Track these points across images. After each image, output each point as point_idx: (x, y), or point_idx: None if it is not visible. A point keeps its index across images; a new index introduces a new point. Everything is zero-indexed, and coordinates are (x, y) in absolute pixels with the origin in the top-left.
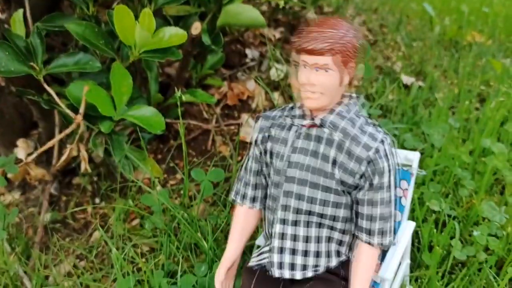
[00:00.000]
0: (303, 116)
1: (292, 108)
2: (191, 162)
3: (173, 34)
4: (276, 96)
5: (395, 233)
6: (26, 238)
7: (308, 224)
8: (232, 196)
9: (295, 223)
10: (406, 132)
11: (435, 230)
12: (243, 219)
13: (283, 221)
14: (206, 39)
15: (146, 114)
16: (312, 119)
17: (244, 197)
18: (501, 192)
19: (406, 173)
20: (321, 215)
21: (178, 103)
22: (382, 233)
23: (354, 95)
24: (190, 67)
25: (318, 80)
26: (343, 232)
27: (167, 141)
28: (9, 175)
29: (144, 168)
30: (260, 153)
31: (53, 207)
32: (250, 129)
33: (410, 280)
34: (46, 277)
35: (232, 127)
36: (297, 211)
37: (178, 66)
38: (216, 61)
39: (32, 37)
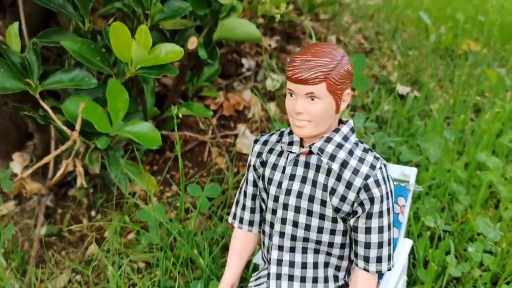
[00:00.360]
0: (297, 143)
1: (289, 133)
2: (187, 174)
3: (170, 51)
4: (272, 106)
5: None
6: (21, 252)
7: (305, 251)
8: (230, 219)
9: (292, 250)
10: (401, 144)
11: (430, 246)
12: (241, 242)
13: (280, 248)
14: (202, 53)
15: (142, 130)
16: (302, 146)
17: (241, 221)
18: (496, 206)
19: (404, 189)
20: (318, 242)
21: (174, 118)
22: (379, 260)
23: (350, 121)
24: (187, 79)
25: (305, 108)
26: (340, 258)
27: (163, 152)
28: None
29: (139, 183)
30: (257, 177)
31: (49, 220)
32: (247, 140)
33: None
34: None
35: (228, 139)
36: (294, 238)
37: (174, 78)
38: (212, 73)
39: (28, 53)
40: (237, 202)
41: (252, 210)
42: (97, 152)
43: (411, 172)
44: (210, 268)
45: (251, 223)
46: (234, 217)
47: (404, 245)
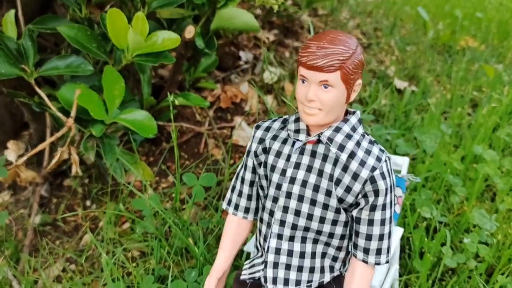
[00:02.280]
0: (304, 131)
1: (295, 120)
2: (183, 165)
3: (167, 38)
4: (269, 99)
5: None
6: (15, 241)
7: (304, 240)
8: (224, 205)
9: (291, 239)
10: (398, 137)
11: (426, 237)
12: (235, 229)
13: (279, 236)
14: (199, 43)
15: (138, 118)
16: (309, 134)
17: (236, 207)
18: (492, 198)
19: (401, 180)
20: (318, 232)
21: (171, 107)
22: (378, 252)
23: (358, 112)
24: (184, 70)
25: (318, 96)
26: (339, 249)
27: (159, 143)
28: None
29: (135, 172)
30: (257, 164)
31: (44, 209)
32: (243, 133)
33: (400, 285)
34: (36, 281)
35: (225, 131)
36: (294, 226)
37: (171, 68)
38: (209, 64)
39: (24, 39)
40: (233, 188)
41: (249, 197)
42: (92, 140)
43: (403, 162)
44: (204, 257)
45: (246, 210)
46: (229, 203)
47: (396, 233)
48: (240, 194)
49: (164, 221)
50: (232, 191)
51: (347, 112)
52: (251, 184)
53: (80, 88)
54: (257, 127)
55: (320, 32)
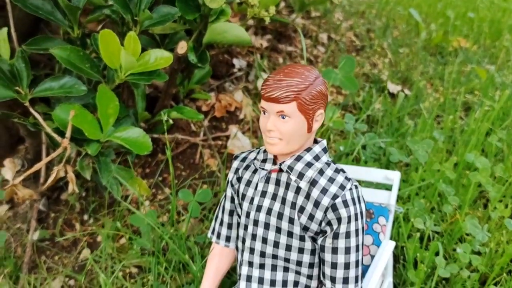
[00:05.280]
0: (270, 160)
1: (265, 150)
2: (179, 176)
3: (159, 57)
4: None
5: (362, 277)
6: (14, 258)
7: (274, 268)
8: (209, 234)
9: (261, 266)
10: (392, 145)
11: (420, 247)
12: (217, 258)
13: (250, 264)
14: (192, 58)
15: (132, 136)
16: (275, 163)
17: (218, 236)
18: (485, 205)
19: (384, 209)
20: (286, 260)
21: (164, 123)
22: (345, 281)
23: (323, 141)
24: (178, 82)
25: (276, 126)
26: (309, 277)
27: (155, 155)
28: None
29: (131, 188)
30: (234, 193)
31: (42, 225)
32: (238, 142)
33: None
34: None
35: (220, 141)
36: (263, 254)
37: (165, 82)
38: (203, 75)
39: (17, 61)
40: (216, 217)
41: (229, 226)
42: (88, 159)
43: (394, 176)
44: (202, 273)
45: (227, 238)
46: (213, 232)
47: (387, 246)
48: (221, 223)
49: (161, 237)
50: (215, 220)
51: (316, 141)
52: (231, 213)
53: (74, 108)
54: (235, 158)
55: (283, 65)
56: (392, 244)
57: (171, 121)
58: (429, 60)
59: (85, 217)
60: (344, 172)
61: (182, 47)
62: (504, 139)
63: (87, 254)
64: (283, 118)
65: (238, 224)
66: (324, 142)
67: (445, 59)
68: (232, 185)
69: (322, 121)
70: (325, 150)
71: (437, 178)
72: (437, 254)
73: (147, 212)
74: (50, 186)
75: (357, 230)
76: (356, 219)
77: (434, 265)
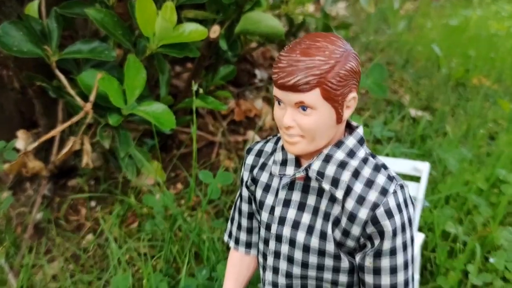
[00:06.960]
0: (292, 162)
1: (283, 146)
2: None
3: (194, 30)
4: None
5: None
6: (15, 233)
7: (305, 286)
8: (225, 237)
9: (288, 286)
10: (417, 157)
11: (449, 256)
12: (238, 265)
13: (274, 284)
14: (223, 44)
15: (157, 111)
16: (299, 165)
17: (237, 241)
18: None
19: None
20: (319, 279)
21: (193, 94)
22: None
23: (359, 129)
24: (201, 76)
25: (296, 121)
26: None
27: (170, 150)
28: (4, 166)
29: (149, 168)
30: (251, 195)
31: (46, 206)
32: None
33: None
34: (33, 274)
35: (237, 144)
36: (289, 274)
37: (188, 76)
38: (228, 72)
39: (50, 20)
40: (232, 219)
41: (249, 230)
42: (108, 130)
43: (423, 167)
44: (216, 256)
45: (248, 244)
46: (230, 236)
47: (416, 240)
48: (239, 226)
49: (174, 221)
50: (232, 222)
51: (349, 126)
52: (250, 216)
53: (101, 73)
54: (248, 151)
55: (300, 38)
56: (421, 236)
57: (201, 90)
58: (450, 92)
59: (92, 203)
60: (386, 168)
61: (214, 31)
62: None
63: (90, 240)
64: (304, 110)
65: (260, 229)
66: (360, 130)
67: (467, 92)
68: (247, 187)
69: (355, 106)
70: (361, 142)
71: (467, 189)
72: (468, 263)
73: (165, 192)
74: (61, 160)
75: (404, 243)
76: (403, 230)
77: (462, 274)
